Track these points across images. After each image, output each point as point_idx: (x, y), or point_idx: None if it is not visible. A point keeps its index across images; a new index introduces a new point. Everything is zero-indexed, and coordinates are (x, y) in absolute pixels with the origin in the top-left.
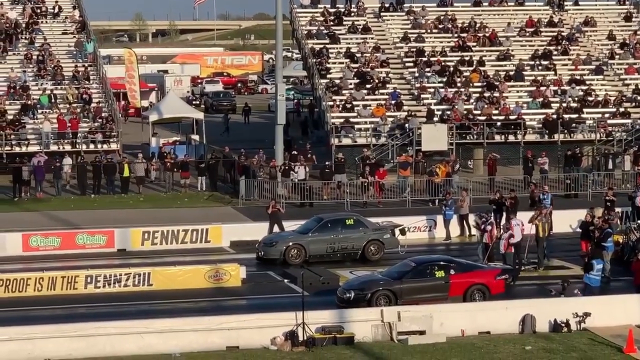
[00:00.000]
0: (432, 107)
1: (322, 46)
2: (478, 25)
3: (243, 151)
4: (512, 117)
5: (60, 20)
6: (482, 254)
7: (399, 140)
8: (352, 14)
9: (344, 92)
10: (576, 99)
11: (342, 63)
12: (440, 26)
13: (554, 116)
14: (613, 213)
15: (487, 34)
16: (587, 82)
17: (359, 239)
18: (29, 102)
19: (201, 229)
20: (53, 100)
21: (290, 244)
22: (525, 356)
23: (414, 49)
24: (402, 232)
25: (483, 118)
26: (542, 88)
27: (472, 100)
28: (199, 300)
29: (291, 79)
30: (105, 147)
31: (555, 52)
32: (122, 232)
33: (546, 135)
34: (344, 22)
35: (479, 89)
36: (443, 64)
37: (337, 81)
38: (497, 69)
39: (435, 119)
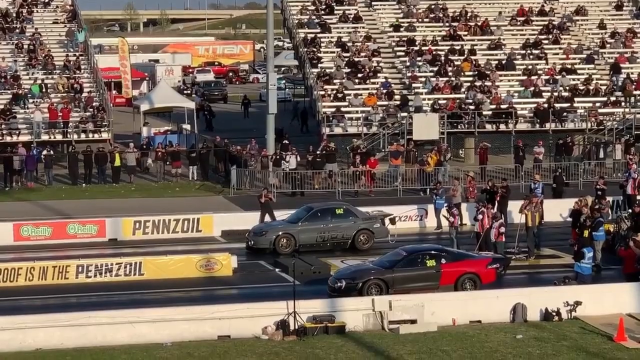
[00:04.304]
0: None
1: (313, 35)
2: (469, 14)
3: (226, 140)
4: (503, 106)
5: (51, 10)
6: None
7: (390, 130)
8: (344, 3)
9: (335, 81)
10: (567, 88)
11: (334, 52)
12: (432, 15)
13: (545, 105)
14: (604, 202)
15: (478, 23)
16: (579, 71)
17: (349, 228)
18: (20, 92)
19: (192, 218)
20: (44, 90)
21: (280, 233)
22: (516, 345)
23: (405, 38)
24: (392, 221)
25: (474, 107)
26: (533, 77)
27: (463, 90)
28: (190, 289)
29: (282, 69)
30: (96, 136)
31: (546, 41)
32: (114, 222)
33: (537, 125)
34: (335, 11)
35: (470, 78)
36: (434, 53)
37: (329, 70)
38: (489, 58)
39: (427, 108)
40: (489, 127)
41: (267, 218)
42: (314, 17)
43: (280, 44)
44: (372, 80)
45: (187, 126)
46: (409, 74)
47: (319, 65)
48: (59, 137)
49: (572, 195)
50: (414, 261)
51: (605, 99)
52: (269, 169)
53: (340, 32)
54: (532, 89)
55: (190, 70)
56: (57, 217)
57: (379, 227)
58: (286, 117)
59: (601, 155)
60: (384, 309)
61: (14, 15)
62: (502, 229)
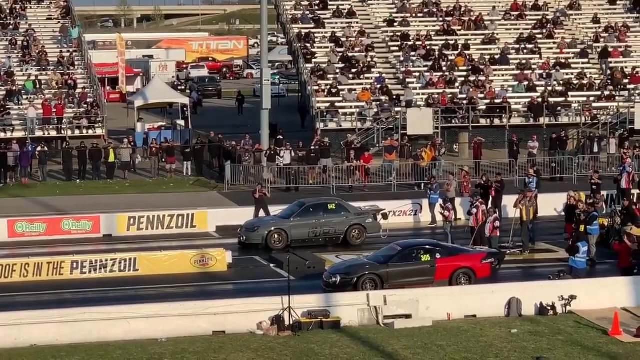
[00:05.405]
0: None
1: (307, 31)
2: (463, 9)
3: (220, 136)
4: (497, 101)
5: (45, 6)
6: (450, 238)
7: (385, 125)
8: None
9: (329, 76)
10: (561, 82)
11: (327, 47)
12: (425, 10)
13: (539, 100)
14: (599, 196)
15: (472, 18)
16: (572, 66)
17: (341, 223)
18: (14, 88)
19: (187, 214)
20: (38, 86)
21: (272, 228)
22: (511, 339)
23: (399, 33)
24: (384, 216)
25: (467, 102)
26: (527, 72)
27: (457, 84)
28: (185, 285)
29: (276, 64)
30: (90, 132)
31: (540, 36)
32: (108, 218)
33: (531, 119)
34: (329, 7)
35: (464, 73)
36: (428, 48)
37: (323, 66)
38: (482, 53)
39: (421, 103)
40: (483, 121)
41: (262, 213)
42: (307, 12)
43: (274, 39)
44: (366, 76)
45: (181, 122)
46: (403, 69)
47: (313, 60)
48: (53, 133)
49: (566, 190)
50: (409, 256)
51: (599, 93)
52: (262, 164)
53: (334, 28)
54: (526, 83)
55: (185, 65)
56: (51, 213)
57: (371, 222)
58: (280, 112)
59: (595, 149)
60: (379, 303)
61: (8, 11)
62: (497, 224)
